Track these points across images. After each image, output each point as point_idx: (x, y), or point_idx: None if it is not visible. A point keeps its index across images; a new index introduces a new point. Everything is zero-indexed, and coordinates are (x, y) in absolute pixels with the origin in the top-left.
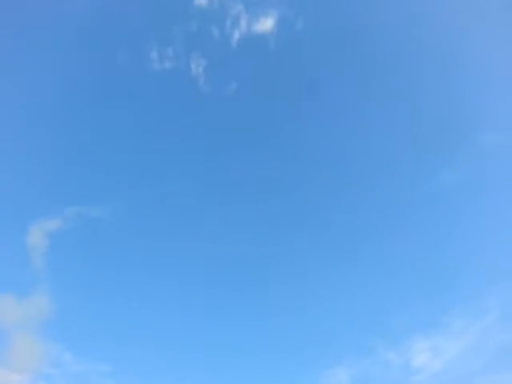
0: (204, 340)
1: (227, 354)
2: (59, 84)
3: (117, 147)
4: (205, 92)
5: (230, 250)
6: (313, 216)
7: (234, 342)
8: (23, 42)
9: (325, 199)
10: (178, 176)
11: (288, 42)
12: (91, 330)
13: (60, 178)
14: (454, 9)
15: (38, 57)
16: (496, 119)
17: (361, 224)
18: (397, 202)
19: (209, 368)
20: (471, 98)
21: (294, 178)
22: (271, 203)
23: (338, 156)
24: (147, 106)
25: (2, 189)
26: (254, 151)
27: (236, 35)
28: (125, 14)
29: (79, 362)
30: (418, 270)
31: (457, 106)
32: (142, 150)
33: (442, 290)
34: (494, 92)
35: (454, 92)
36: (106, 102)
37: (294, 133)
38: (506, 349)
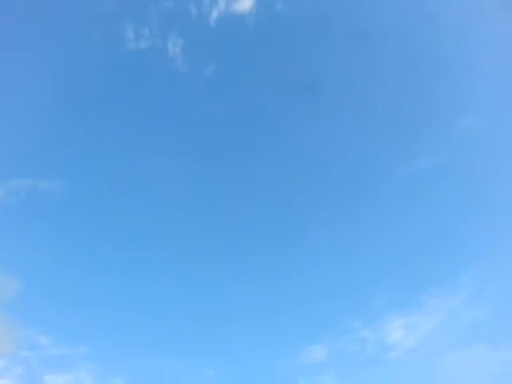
0: (185, 313)
1: (206, 326)
2: (29, 61)
3: (81, 123)
4: (182, 72)
5: (195, 228)
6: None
7: (213, 315)
8: None
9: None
10: (148, 157)
11: (267, 22)
12: (63, 312)
13: (3, 148)
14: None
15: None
16: (474, 104)
17: (340, 205)
18: (373, 185)
19: (189, 346)
20: (449, 83)
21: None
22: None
23: (318, 138)
24: (122, 85)
25: None
26: (233, 129)
27: (214, 14)
28: None
29: (56, 345)
30: (394, 250)
31: (434, 90)
32: (110, 128)
33: (418, 271)
34: (473, 77)
35: (431, 77)
36: (77, 80)
37: (272, 111)
38: (476, 325)
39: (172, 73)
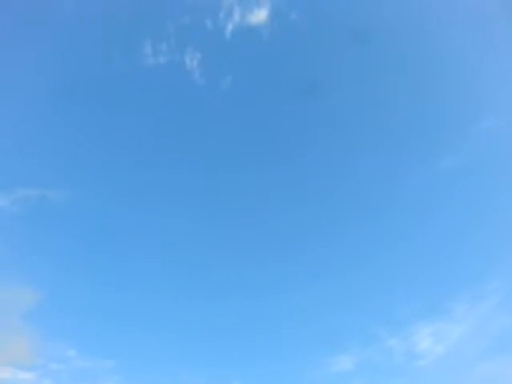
0: (210, 326)
1: (231, 338)
2: (46, 73)
3: (93, 135)
4: (200, 85)
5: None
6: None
7: (238, 327)
8: (12, 39)
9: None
10: (161, 168)
11: (282, 33)
12: (89, 324)
13: (11, 157)
14: None
15: (25, 50)
16: (494, 105)
17: (362, 207)
18: (394, 188)
19: (215, 354)
20: (469, 84)
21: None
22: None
23: (336, 143)
24: (140, 99)
25: None
26: (250, 141)
27: (229, 27)
28: (117, 9)
29: (83, 358)
30: (418, 256)
31: (455, 91)
32: (123, 139)
33: (444, 277)
34: (493, 78)
35: (451, 78)
36: (95, 94)
37: (289, 123)
38: (507, 332)
39: (190, 86)
